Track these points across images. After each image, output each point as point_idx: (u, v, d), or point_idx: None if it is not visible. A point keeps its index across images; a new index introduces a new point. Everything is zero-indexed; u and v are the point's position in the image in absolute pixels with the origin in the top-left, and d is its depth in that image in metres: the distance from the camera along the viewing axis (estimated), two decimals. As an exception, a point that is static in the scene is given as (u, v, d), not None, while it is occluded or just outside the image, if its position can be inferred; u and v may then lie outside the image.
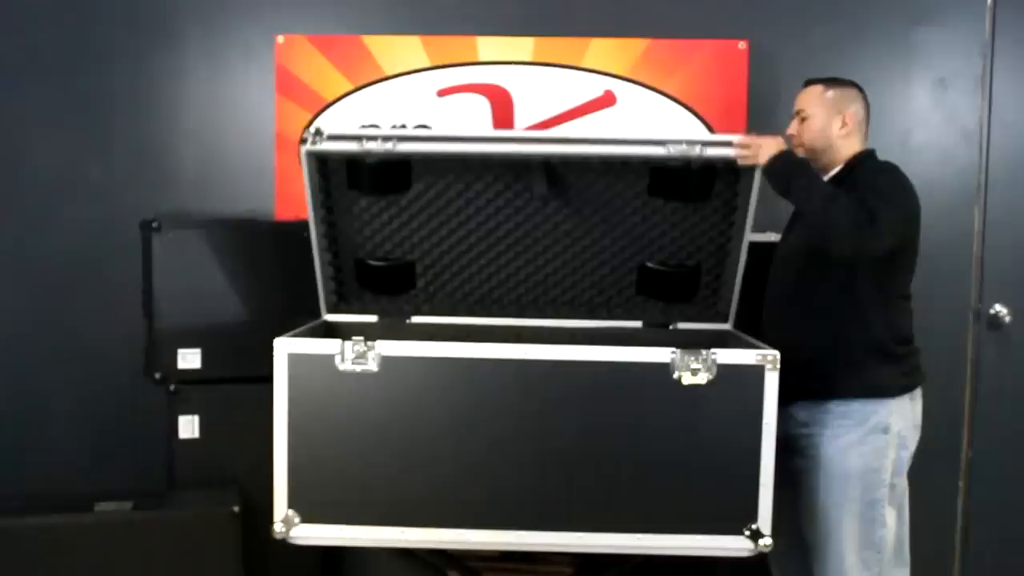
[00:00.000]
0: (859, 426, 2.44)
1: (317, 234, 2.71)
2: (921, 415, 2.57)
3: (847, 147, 2.55)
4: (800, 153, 2.57)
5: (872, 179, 2.45)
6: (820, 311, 2.49)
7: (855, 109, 2.55)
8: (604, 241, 2.80)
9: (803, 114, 2.58)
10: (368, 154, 2.54)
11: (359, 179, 2.68)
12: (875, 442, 2.44)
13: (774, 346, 2.32)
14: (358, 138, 2.52)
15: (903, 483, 2.51)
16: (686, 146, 2.50)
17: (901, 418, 2.47)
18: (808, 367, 2.38)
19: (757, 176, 2.53)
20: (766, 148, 2.45)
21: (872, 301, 2.45)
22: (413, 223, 2.79)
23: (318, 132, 2.52)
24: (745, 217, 2.63)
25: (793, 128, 2.60)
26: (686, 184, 2.63)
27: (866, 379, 2.45)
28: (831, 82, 2.58)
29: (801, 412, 2.49)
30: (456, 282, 2.89)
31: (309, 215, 2.67)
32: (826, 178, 2.55)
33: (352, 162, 2.62)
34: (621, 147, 2.58)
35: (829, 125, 2.54)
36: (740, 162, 2.48)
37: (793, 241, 2.61)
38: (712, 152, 2.50)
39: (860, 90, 2.59)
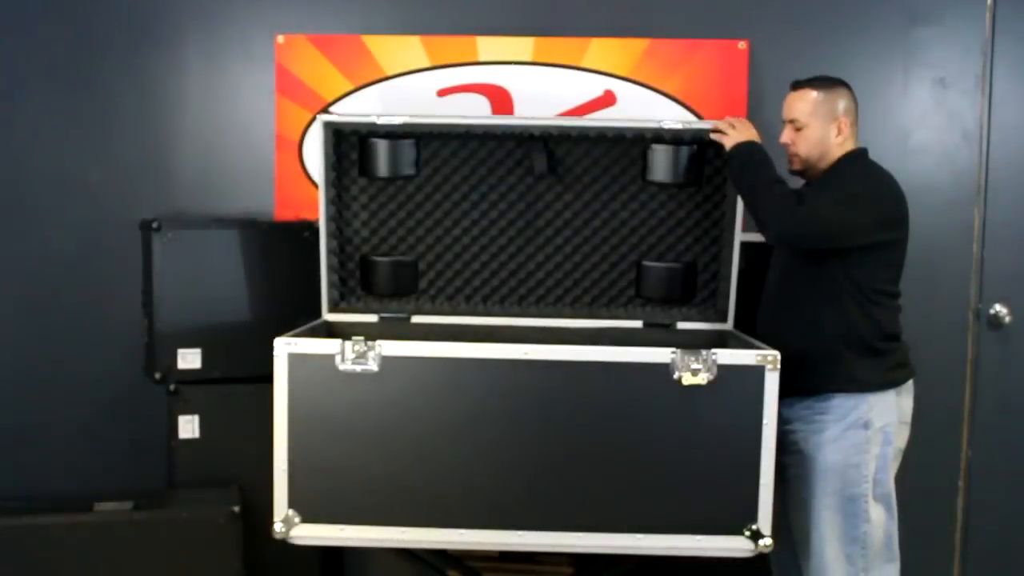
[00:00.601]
0: (838, 421, 2.45)
1: (326, 217, 2.79)
2: (911, 412, 2.57)
3: (840, 151, 2.55)
4: (796, 163, 2.58)
5: (829, 175, 2.51)
6: (800, 308, 2.50)
7: (847, 110, 2.54)
8: (603, 232, 2.90)
9: (798, 124, 2.55)
10: (379, 127, 2.75)
11: (370, 161, 2.81)
12: (854, 437, 2.44)
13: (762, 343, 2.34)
14: (371, 116, 2.77)
15: (889, 479, 2.50)
16: (677, 123, 2.73)
17: (884, 413, 2.47)
18: (789, 363, 2.37)
19: None
20: (738, 133, 2.56)
21: (851, 297, 2.45)
22: (419, 213, 2.89)
23: (332, 114, 2.85)
24: (734, 208, 2.74)
25: (788, 137, 2.58)
26: (677, 166, 2.78)
27: (845, 374, 2.45)
28: (820, 84, 2.55)
29: (784, 408, 2.47)
30: (459, 282, 2.92)
31: (320, 197, 2.79)
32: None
33: (364, 142, 2.80)
34: (616, 123, 2.86)
35: (827, 135, 2.53)
36: (711, 134, 2.63)
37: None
38: (700, 126, 2.74)
39: (847, 87, 2.58)
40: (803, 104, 2.55)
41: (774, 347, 2.33)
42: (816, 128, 2.53)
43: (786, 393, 2.41)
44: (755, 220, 2.48)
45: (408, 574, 2.83)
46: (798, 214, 2.39)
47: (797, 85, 2.59)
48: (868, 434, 2.44)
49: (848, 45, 3.17)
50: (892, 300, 2.53)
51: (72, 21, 3.19)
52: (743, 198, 2.55)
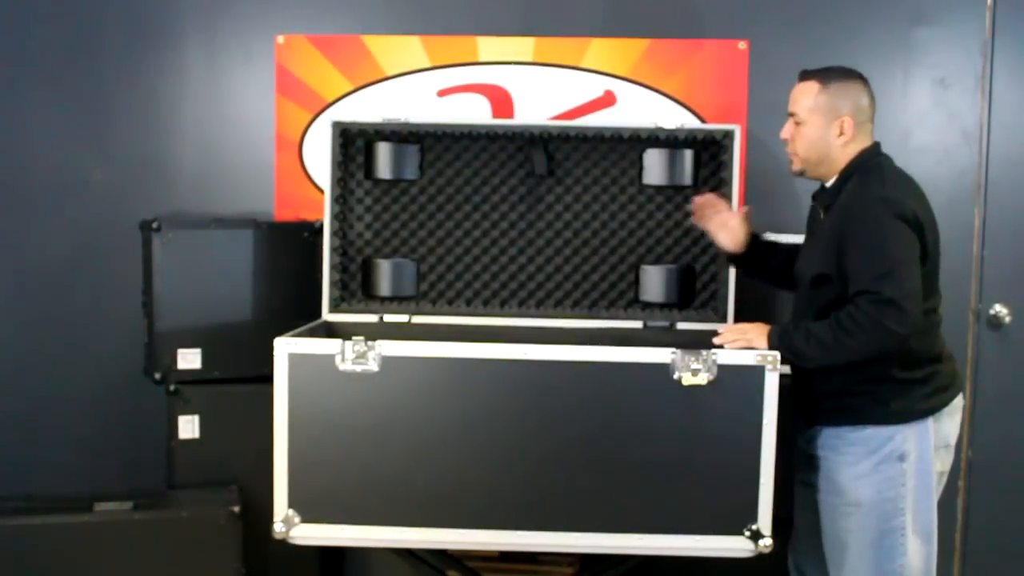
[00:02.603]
0: (872, 454, 2.30)
1: (331, 216, 2.82)
2: (955, 433, 2.42)
3: (846, 154, 2.35)
4: (796, 163, 2.41)
5: (856, 239, 2.25)
6: None
7: (854, 109, 2.34)
8: (603, 234, 2.93)
9: (797, 119, 2.37)
10: (386, 124, 2.80)
11: (375, 164, 2.87)
12: (889, 471, 2.30)
13: (796, 373, 2.30)
14: (377, 117, 2.85)
15: (931, 509, 2.36)
16: (673, 124, 2.77)
17: (921, 443, 2.31)
18: (824, 395, 2.34)
19: (736, 162, 2.75)
20: (756, 339, 2.31)
21: None
22: (421, 215, 2.92)
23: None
24: (730, 207, 2.73)
25: (787, 132, 2.41)
26: (673, 169, 2.83)
27: (880, 405, 2.30)
28: (829, 77, 2.36)
29: (819, 435, 2.39)
30: (459, 284, 2.93)
31: (325, 197, 2.83)
32: (829, 183, 2.40)
33: (369, 146, 2.86)
34: (614, 123, 2.92)
35: (825, 134, 2.34)
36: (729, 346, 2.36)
37: (802, 266, 2.46)
38: (696, 125, 2.77)
39: (862, 80, 2.38)
40: (805, 98, 2.36)
41: (802, 385, 2.34)
42: (815, 126, 2.35)
43: (820, 422, 2.37)
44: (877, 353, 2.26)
45: (408, 574, 2.82)
46: (900, 331, 2.17)
47: (805, 75, 2.40)
48: (904, 467, 2.30)
49: (848, 45, 3.17)
50: (930, 317, 2.34)
51: (72, 21, 3.19)
52: (848, 361, 2.27)
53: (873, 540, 2.32)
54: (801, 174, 2.45)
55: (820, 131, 2.36)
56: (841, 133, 2.35)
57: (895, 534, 2.31)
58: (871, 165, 2.36)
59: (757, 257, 2.65)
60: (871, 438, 2.31)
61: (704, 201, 2.68)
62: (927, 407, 2.34)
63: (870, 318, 2.17)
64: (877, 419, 2.31)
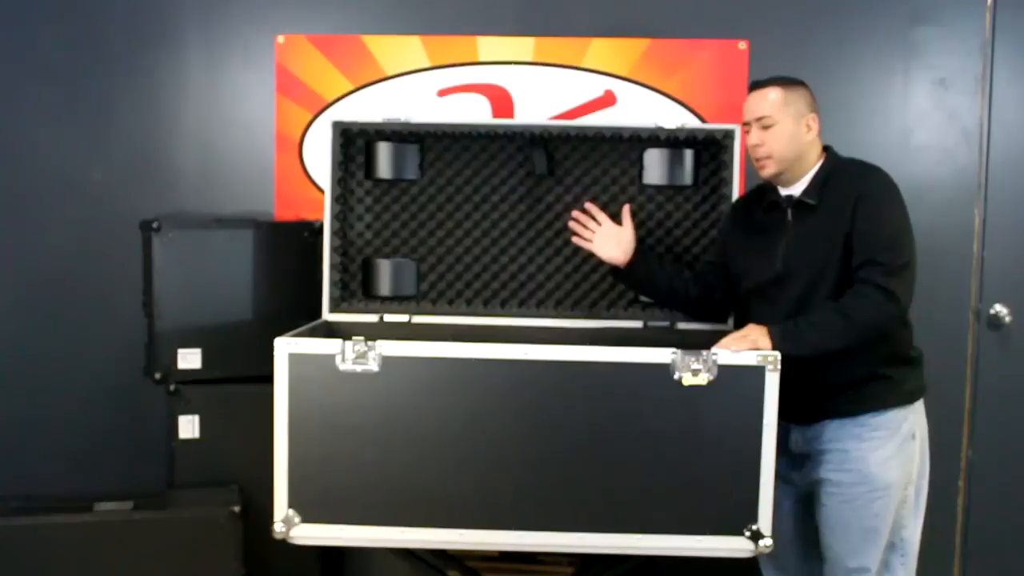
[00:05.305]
0: (894, 436, 2.40)
1: (331, 216, 2.82)
2: None
3: (816, 150, 2.46)
4: (771, 167, 2.43)
5: (871, 206, 2.35)
6: None
7: (812, 107, 2.45)
8: None
9: (767, 121, 2.42)
10: (386, 124, 2.82)
11: (375, 163, 2.88)
12: (907, 450, 2.42)
13: (793, 369, 2.26)
14: (378, 117, 2.86)
15: (926, 483, 2.49)
16: (674, 124, 2.79)
17: (921, 421, 2.46)
18: (841, 386, 2.36)
19: (736, 162, 2.76)
20: (759, 339, 2.30)
21: None
22: (421, 215, 2.92)
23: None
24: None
25: (757, 137, 2.44)
26: (673, 168, 2.85)
27: (899, 387, 2.41)
28: (781, 83, 2.45)
29: (829, 429, 2.42)
30: (459, 284, 2.93)
31: (325, 197, 2.84)
32: (800, 185, 2.45)
33: (369, 146, 2.87)
34: (614, 123, 2.93)
35: (798, 132, 2.42)
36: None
37: (787, 263, 2.44)
38: (696, 125, 2.81)
39: (806, 85, 2.49)
40: (769, 101, 2.43)
41: (816, 379, 2.34)
42: (788, 125, 2.41)
43: (832, 415, 2.40)
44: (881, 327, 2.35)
45: (408, 574, 2.82)
46: (900, 303, 2.30)
47: (757, 85, 2.48)
48: (915, 444, 2.43)
49: (848, 45, 3.17)
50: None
51: (72, 21, 3.19)
52: (842, 347, 2.33)
53: (891, 520, 2.42)
54: (777, 176, 2.47)
55: (793, 129, 2.44)
56: (809, 129, 2.45)
57: (904, 507, 2.44)
58: (842, 158, 2.49)
59: (645, 267, 2.72)
60: (891, 420, 2.40)
61: (584, 214, 2.77)
62: (923, 386, 2.49)
63: (880, 288, 2.28)
64: (897, 402, 2.41)
